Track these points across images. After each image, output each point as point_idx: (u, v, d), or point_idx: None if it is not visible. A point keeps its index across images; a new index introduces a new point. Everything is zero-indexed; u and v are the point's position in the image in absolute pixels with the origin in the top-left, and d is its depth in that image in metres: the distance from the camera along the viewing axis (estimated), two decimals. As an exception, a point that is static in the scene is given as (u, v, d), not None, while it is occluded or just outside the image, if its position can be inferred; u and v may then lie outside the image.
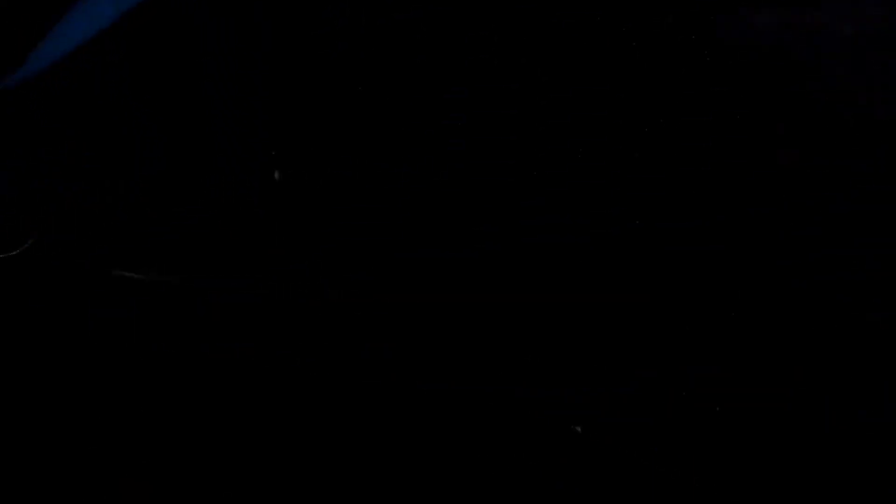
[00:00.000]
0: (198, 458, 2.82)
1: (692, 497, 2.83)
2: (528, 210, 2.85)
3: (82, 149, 2.62)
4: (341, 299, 2.77)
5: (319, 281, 2.76)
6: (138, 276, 2.65)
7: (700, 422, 2.86)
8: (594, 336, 2.92)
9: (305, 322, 2.82)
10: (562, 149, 2.86)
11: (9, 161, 2.61)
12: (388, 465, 2.82)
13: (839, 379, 2.87)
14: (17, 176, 2.60)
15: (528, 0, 2.72)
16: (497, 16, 2.76)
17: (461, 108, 2.73)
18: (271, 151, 2.67)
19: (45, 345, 2.82)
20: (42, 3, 2.44)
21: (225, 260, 2.79)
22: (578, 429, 2.74)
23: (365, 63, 2.69)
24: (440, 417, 2.82)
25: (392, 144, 2.74)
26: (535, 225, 2.85)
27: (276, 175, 2.66)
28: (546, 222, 2.86)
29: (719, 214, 2.95)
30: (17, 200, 2.62)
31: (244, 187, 2.72)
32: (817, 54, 2.85)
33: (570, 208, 2.85)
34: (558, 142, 2.86)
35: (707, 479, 2.84)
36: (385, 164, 2.75)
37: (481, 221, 2.79)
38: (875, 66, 2.87)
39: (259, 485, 2.82)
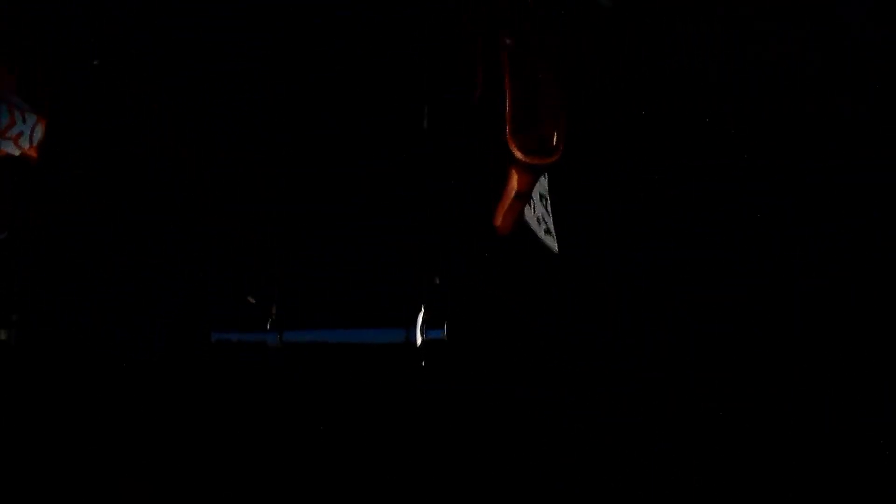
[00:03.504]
0: (198, 458, 2.82)
1: (692, 497, 2.83)
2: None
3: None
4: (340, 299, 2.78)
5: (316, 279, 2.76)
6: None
7: (700, 422, 2.86)
8: (594, 336, 2.92)
9: (303, 322, 2.82)
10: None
11: None
12: (389, 465, 2.82)
13: (839, 379, 2.87)
14: None
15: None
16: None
17: (460, 107, 2.72)
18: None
19: (46, 347, 2.82)
20: None
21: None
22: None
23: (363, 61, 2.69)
24: (440, 417, 2.82)
25: (390, 142, 2.74)
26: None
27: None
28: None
29: (719, 216, 2.95)
30: None
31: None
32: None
33: (569, 208, 2.85)
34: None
35: (707, 479, 2.84)
36: (383, 162, 2.75)
37: (481, 220, 2.78)
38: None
39: (259, 485, 2.82)
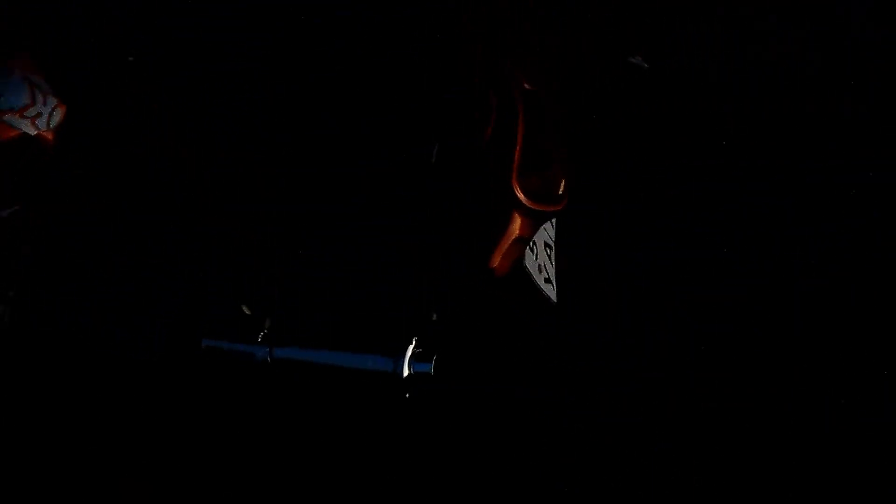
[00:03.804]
0: (198, 458, 2.82)
1: (692, 497, 2.84)
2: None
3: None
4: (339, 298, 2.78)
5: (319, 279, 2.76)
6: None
7: (700, 422, 2.86)
8: (594, 336, 2.92)
9: (304, 322, 2.82)
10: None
11: None
12: (389, 465, 2.82)
13: (839, 379, 2.88)
14: None
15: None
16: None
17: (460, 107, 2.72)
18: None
19: (46, 348, 2.82)
20: None
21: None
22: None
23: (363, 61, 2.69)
24: (441, 417, 2.82)
25: (391, 142, 2.74)
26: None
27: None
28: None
29: (719, 216, 2.95)
30: None
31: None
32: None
33: (570, 208, 2.85)
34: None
35: (707, 478, 2.84)
36: (384, 162, 2.75)
37: (482, 220, 2.78)
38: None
39: (259, 485, 2.82)
